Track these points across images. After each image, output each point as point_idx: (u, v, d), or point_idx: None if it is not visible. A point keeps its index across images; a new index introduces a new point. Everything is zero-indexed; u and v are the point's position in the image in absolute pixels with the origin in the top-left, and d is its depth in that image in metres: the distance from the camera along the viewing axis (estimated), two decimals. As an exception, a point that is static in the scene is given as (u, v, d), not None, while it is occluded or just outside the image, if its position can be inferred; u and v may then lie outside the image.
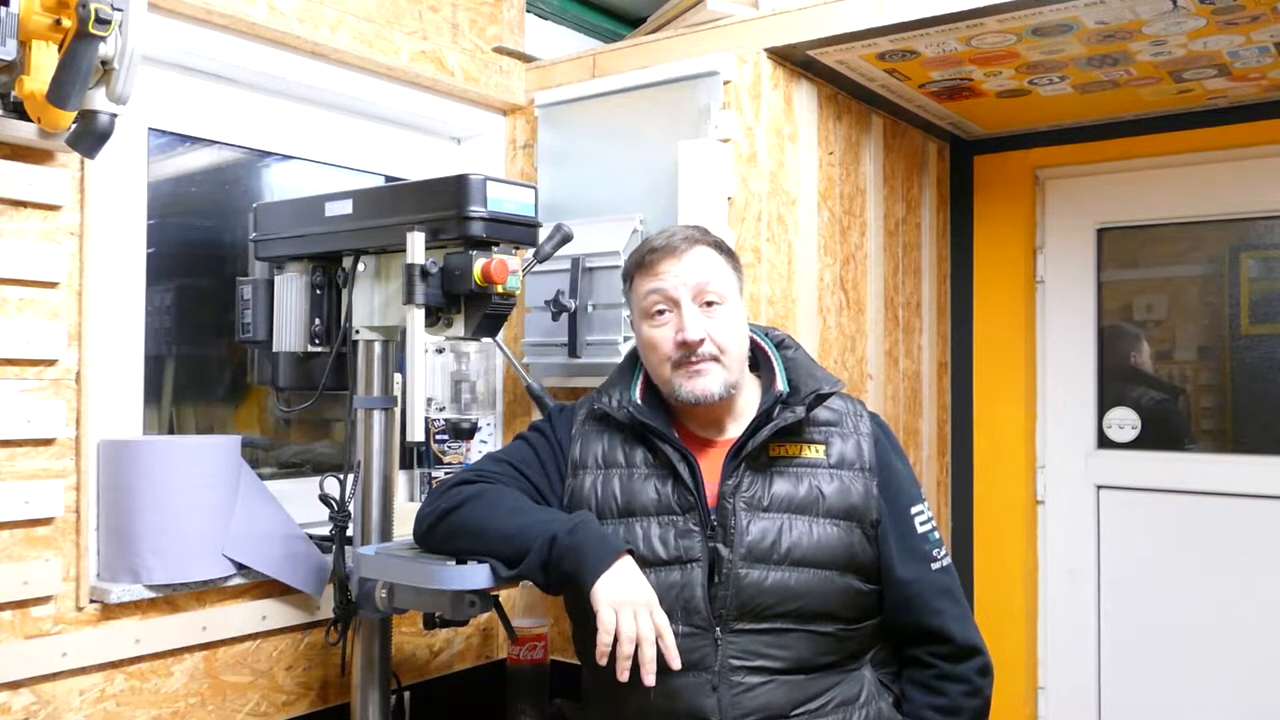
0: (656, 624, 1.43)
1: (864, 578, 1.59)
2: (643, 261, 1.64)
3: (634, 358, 1.72)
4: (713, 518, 1.56)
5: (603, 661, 1.41)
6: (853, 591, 1.57)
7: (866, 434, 1.65)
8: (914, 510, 1.63)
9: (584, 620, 1.55)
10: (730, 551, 1.53)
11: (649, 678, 1.41)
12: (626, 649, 1.41)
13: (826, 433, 1.64)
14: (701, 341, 1.57)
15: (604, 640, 1.41)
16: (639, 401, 1.64)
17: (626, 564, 1.47)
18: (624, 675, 1.40)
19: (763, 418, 1.59)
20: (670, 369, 1.60)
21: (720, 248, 1.66)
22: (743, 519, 1.55)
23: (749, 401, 1.67)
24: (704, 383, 1.58)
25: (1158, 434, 2.72)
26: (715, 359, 1.58)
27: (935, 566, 1.62)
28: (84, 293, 1.70)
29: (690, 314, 1.58)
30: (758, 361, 1.71)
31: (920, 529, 1.63)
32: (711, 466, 1.60)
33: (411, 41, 2.21)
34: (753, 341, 1.70)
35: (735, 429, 1.64)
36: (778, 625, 1.53)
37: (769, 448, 1.60)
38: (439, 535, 1.61)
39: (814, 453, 1.62)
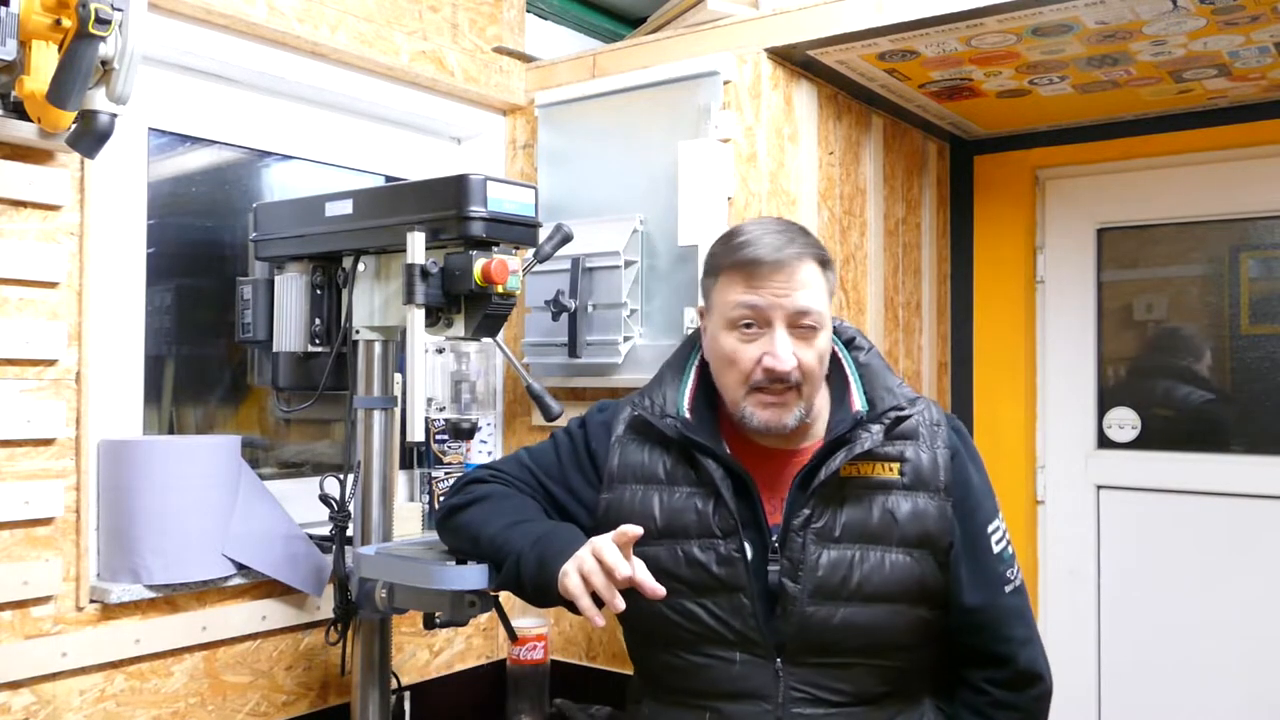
0: (619, 543, 1.33)
1: (933, 606, 1.49)
2: (739, 262, 1.46)
3: (686, 350, 1.61)
4: (774, 539, 1.45)
5: (600, 621, 1.33)
6: (922, 622, 1.48)
7: (944, 446, 1.50)
8: (990, 528, 1.51)
9: (629, 628, 1.54)
10: (798, 588, 1.43)
11: (618, 602, 1.31)
12: (597, 580, 1.32)
13: (902, 447, 1.49)
14: (792, 371, 1.43)
15: (585, 605, 1.32)
16: (687, 414, 1.51)
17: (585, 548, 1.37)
18: (617, 604, 1.31)
19: (840, 441, 1.45)
20: (745, 391, 1.45)
21: (824, 261, 1.49)
22: (812, 552, 1.44)
23: (819, 410, 1.53)
24: (778, 415, 1.45)
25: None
26: (798, 388, 1.45)
27: (1008, 589, 1.50)
28: (84, 293, 1.70)
29: (783, 341, 1.43)
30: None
31: (995, 549, 1.51)
32: (772, 479, 1.50)
33: (411, 41, 2.21)
34: None
35: (802, 439, 1.52)
36: (843, 659, 1.44)
37: (841, 468, 1.46)
38: (447, 530, 1.61)
39: (888, 471, 1.47)
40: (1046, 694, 1.54)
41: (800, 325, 1.44)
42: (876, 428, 1.45)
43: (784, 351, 1.42)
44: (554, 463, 1.63)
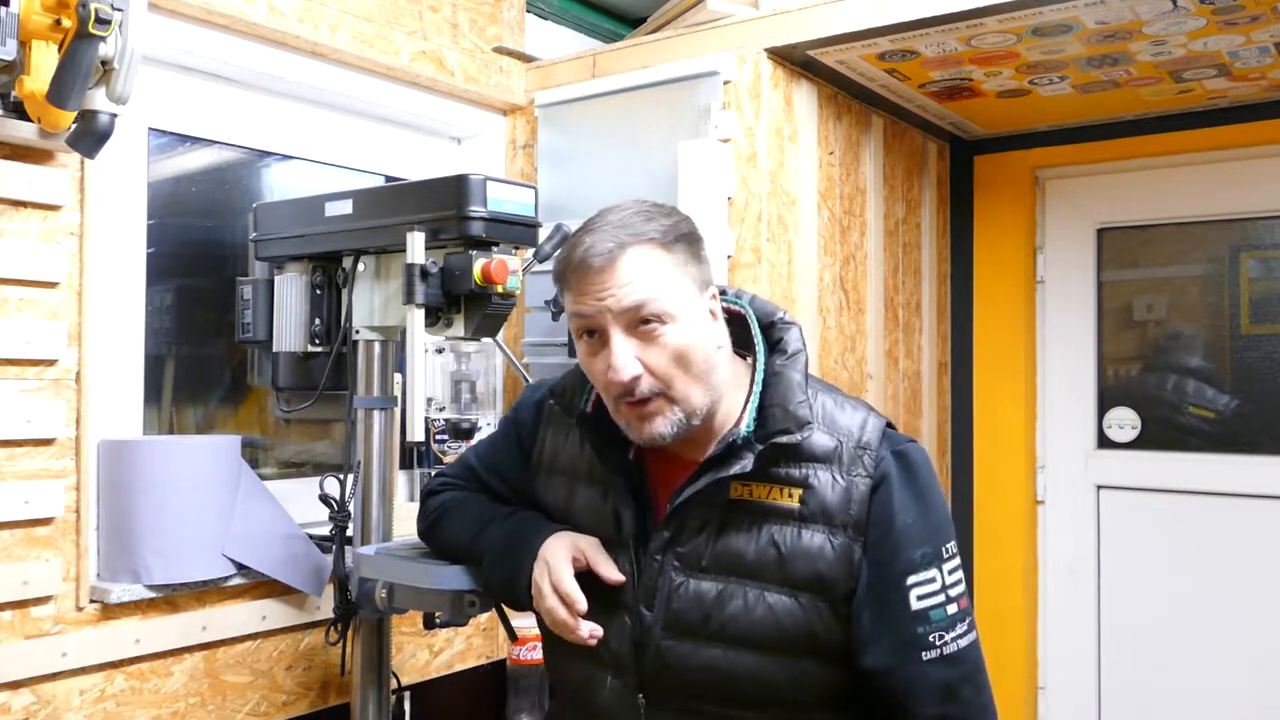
0: (584, 555, 1.29)
1: (830, 662, 1.26)
2: (564, 271, 1.29)
3: None
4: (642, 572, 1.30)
5: (592, 641, 1.28)
6: (815, 678, 1.26)
7: (864, 475, 1.26)
8: (911, 580, 1.24)
9: (544, 630, 1.42)
10: (652, 617, 1.28)
11: (582, 633, 1.26)
12: (549, 602, 1.28)
13: (809, 471, 1.26)
14: (637, 379, 1.23)
15: (562, 618, 1.28)
16: (588, 410, 1.37)
17: (548, 547, 1.32)
18: (582, 635, 1.27)
19: (712, 461, 1.27)
20: (614, 406, 1.29)
21: (663, 240, 1.26)
22: (673, 579, 1.28)
23: (734, 409, 1.32)
24: (650, 426, 1.25)
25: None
26: (661, 395, 1.25)
27: (928, 656, 1.23)
28: (84, 293, 1.70)
29: (619, 349, 1.23)
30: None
31: (916, 605, 1.24)
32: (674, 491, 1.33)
33: (411, 41, 2.21)
34: (747, 323, 1.37)
35: (709, 446, 1.31)
36: (710, 707, 1.27)
37: (730, 487, 1.27)
38: (433, 548, 1.59)
39: (786, 498, 1.26)
40: None
41: (640, 323, 1.24)
42: (749, 455, 1.25)
43: (620, 360, 1.23)
44: (489, 453, 1.55)
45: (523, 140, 2.49)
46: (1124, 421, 2.77)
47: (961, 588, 1.28)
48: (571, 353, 2.20)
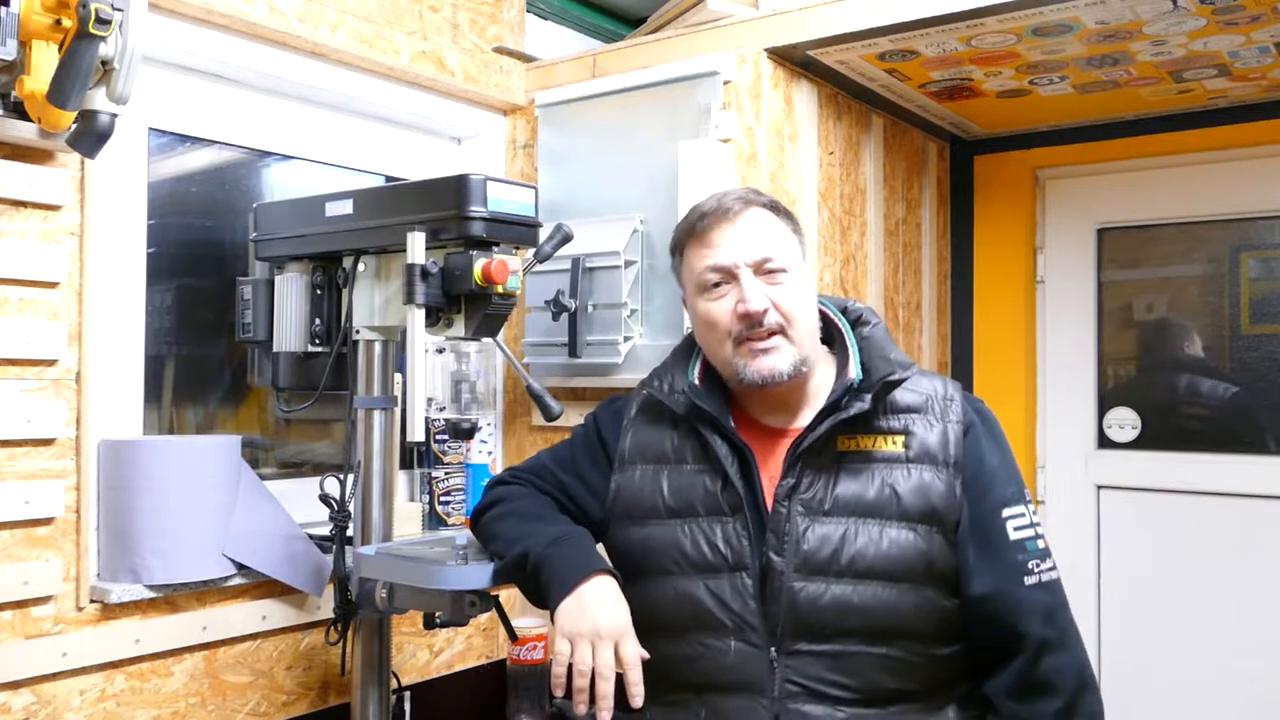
0: (621, 655, 1.31)
1: (946, 591, 1.38)
2: (693, 230, 1.47)
3: (691, 341, 1.58)
4: (767, 521, 1.40)
5: (558, 693, 1.31)
6: (934, 607, 1.37)
7: (956, 420, 1.43)
8: (1006, 513, 1.40)
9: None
10: (784, 562, 1.37)
11: (603, 714, 1.29)
12: (579, 682, 1.29)
13: (908, 421, 1.43)
14: (766, 311, 1.40)
15: (556, 671, 1.32)
16: (696, 384, 1.48)
17: (595, 587, 1.35)
18: (580, 708, 1.30)
19: (829, 408, 1.41)
20: (732, 347, 1.43)
21: (777, 209, 1.49)
22: (799, 524, 1.38)
23: (823, 384, 1.49)
24: (770, 361, 1.40)
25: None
26: (782, 331, 1.41)
27: (1030, 581, 1.37)
28: (84, 293, 1.70)
29: (750, 283, 1.41)
30: (832, 337, 1.54)
31: (1014, 535, 1.39)
32: (776, 458, 1.45)
33: (411, 41, 2.21)
34: (826, 316, 1.53)
35: (809, 415, 1.45)
36: (840, 646, 1.35)
37: (837, 441, 1.42)
38: (479, 534, 1.62)
39: (891, 445, 1.41)
40: (1073, 710, 1.34)
41: (766, 270, 1.43)
42: (868, 395, 1.40)
43: (753, 294, 1.40)
44: (568, 455, 1.64)
45: (523, 140, 2.49)
46: (1124, 421, 2.77)
47: (1043, 528, 1.44)
48: (572, 353, 2.21)
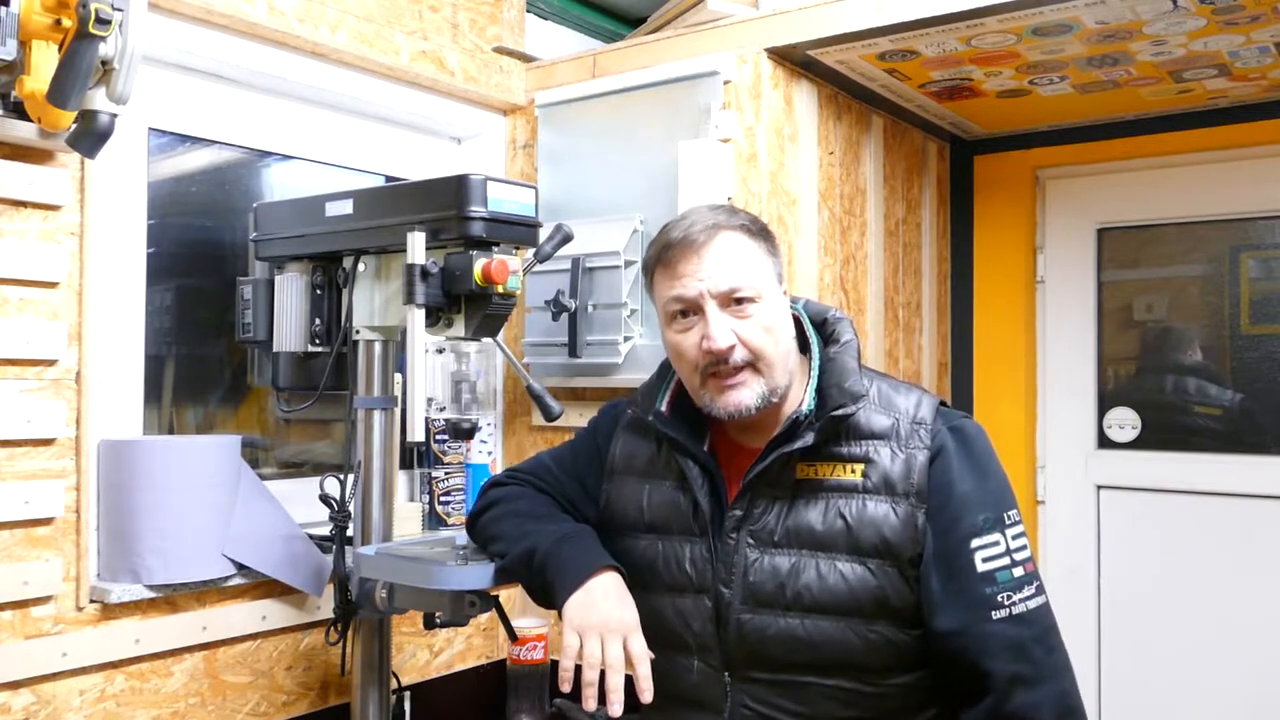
0: (630, 651, 1.30)
1: (902, 625, 1.34)
2: (660, 258, 1.42)
3: (668, 364, 1.56)
4: (717, 552, 1.40)
5: (565, 688, 1.30)
6: (885, 641, 1.34)
7: (922, 447, 1.36)
8: (976, 544, 1.33)
9: None
10: (730, 593, 1.37)
11: (614, 708, 1.28)
12: (589, 675, 1.29)
13: (870, 448, 1.37)
14: (732, 349, 1.35)
15: (564, 665, 1.31)
16: (664, 411, 1.47)
17: (603, 582, 1.35)
18: (590, 704, 1.29)
19: (779, 439, 1.38)
20: (699, 380, 1.39)
21: (751, 229, 1.42)
22: (748, 556, 1.37)
23: (799, 398, 1.44)
24: (736, 396, 1.36)
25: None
26: (750, 366, 1.37)
27: (998, 615, 1.30)
28: (84, 293, 1.70)
29: (715, 319, 1.36)
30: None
31: (982, 566, 1.32)
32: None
33: (411, 41, 2.21)
34: (802, 327, 1.49)
35: (781, 427, 1.42)
36: (790, 676, 1.35)
37: (797, 468, 1.38)
38: (476, 536, 1.62)
39: (849, 473, 1.36)
40: None
41: (734, 302, 1.37)
42: (810, 431, 1.36)
43: (718, 331, 1.35)
44: (569, 457, 1.64)
45: (523, 140, 2.49)
46: (1124, 421, 2.77)
47: (1026, 553, 1.36)
48: (572, 353, 2.20)
